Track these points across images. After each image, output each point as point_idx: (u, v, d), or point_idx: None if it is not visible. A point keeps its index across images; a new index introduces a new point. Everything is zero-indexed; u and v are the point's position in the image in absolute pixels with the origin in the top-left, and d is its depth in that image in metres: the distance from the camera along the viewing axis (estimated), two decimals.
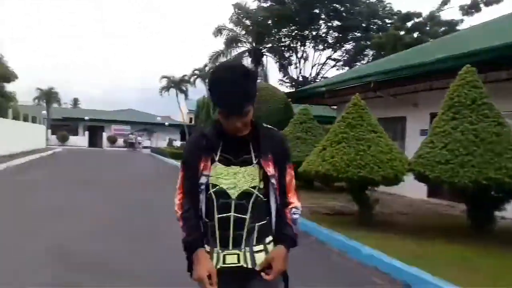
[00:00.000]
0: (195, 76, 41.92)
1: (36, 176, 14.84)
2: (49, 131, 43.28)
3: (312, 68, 38.85)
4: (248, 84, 1.82)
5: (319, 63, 39.09)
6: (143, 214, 8.24)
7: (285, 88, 35.24)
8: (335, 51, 39.24)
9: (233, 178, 1.87)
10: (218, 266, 1.86)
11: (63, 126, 49.12)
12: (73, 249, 5.54)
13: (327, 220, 7.58)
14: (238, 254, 1.87)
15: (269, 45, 36.54)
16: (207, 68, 36.91)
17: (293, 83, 37.30)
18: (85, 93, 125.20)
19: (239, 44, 35.19)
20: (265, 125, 2.00)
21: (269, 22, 35.00)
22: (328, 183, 8.21)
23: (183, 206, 1.93)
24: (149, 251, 5.59)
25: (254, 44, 35.20)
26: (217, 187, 1.88)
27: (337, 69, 38.42)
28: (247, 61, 34.43)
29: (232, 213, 1.85)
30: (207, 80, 34.60)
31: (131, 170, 19.50)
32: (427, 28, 29.90)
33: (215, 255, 1.88)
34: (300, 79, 37.30)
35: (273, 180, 1.90)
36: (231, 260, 1.87)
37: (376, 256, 5.31)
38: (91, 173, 17.26)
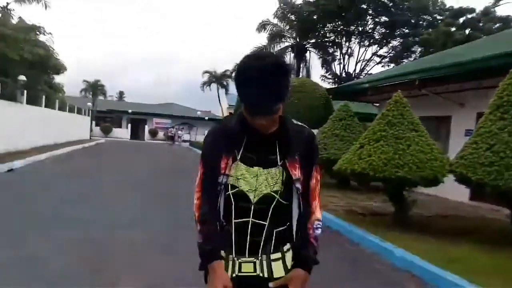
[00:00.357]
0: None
1: (75, 167, 15.42)
2: (94, 122, 44.79)
3: (356, 64, 38.12)
4: (280, 81, 1.58)
5: (364, 59, 38.30)
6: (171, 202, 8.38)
7: (327, 85, 34.78)
8: (381, 48, 38.28)
9: (254, 181, 1.69)
10: (234, 275, 1.71)
11: (107, 118, 50.77)
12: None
13: (361, 220, 7.39)
14: (254, 262, 1.72)
15: (313, 40, 36.13)
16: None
17: (336, 79, 36.72)
18: (131, 87, 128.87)
19: (282, 40, 35.03)
20: (294, 121, 1.80)
21: (315, 17, 34.57)
22: (364, 182, 7.98)
23: (201, 207, 1.75)
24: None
25: (297, 40, 34.92)
26: (237, 189, 1.70)
27: (382, 66, 37.52)
28: (290, 57, 34.24)
29: (250, 219, 1.69)
30: None
31: (168, 161, 19.81)
32: (481, 24, 28.57)
33: (230, 262, 1.73)
34: (344, 75, 36.67)
35: (298, 185, 1.71)
36: (247, 268, 1.72)
37: (408, 259, 5.11)
38: (129, 163, 17.73)
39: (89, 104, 44.46)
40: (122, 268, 4.47)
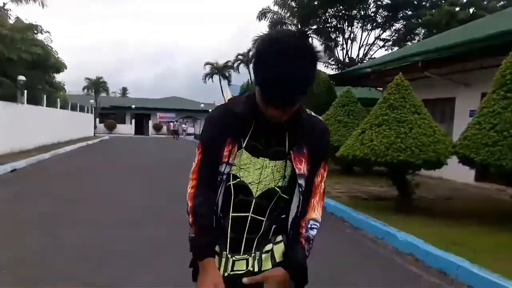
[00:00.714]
0: (238, 62, 41.90)
1: (78, 165, 15.46)
2: (97, 119, 44.92)
3: (359, 49, 37.65)
4: (309, 70, 1.31)
5: (367, 43, 37.87)
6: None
7: (331, 71, 34.48)
8: (384, 31, 37.73)
9: (259, 173, 1.51)
10: (226, 274, 1.54)
11: (110, 115, 50.86)
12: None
13: (365, 205, 7.31)
14: (247, 259, 1.56)
15: (315, 26, 35.75)
16: (250, 53, 36.76)
17: (339, 65, 36.39)
18: (134, 82, 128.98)
19: (283, 27, 34.69)
20: (308, 111, 1.58)
21: (316, 2, 34.16)
22: (366, 167, 7.91)
23: (196, 197, 1.54)
24: None
25: (299, 26, 34.54)
26: (238, 180, 1.52)
27: (386, 50, 36.96)
28: None
29: (250, 214, 1.53)
30: (250, 65, 34.48)
31: (170, 155, 19.78)
32: (485, 2, 28.06)
33: (223, 260, 1.56)
34: (347, 60, 36.31)
35: (301, 181, 1.51)
36: (240, 266, 1.56)
37: (411, 242, 5.03)
38: (130, 158, 17.74)
39: (92, 101, 44.51)
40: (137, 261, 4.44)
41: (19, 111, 16.94)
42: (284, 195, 1.54)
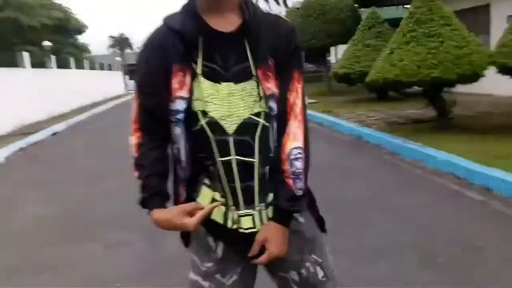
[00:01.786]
0: None
1: (116, 120, 15.78)
2: (127, 76, 45.32)
3: None
4: None
5: None
6: None
7: None
8: None
9: (227, 103, 1.19)
10: (230, 226, 1.25)
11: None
12: None
13: (401, 129, 7.15)
14: (253, 215, 1.25)
15: None
16: None
17: None
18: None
19: None
20: (265, 11, 1.30)
21: None
22: (400, 90, 7.64)
23: (140, 148, 1.26)
24: None
25: None
26: (208, 117, 1.19)
27: None
28: None
29: (233, 156, 1.20)
30: None
31: None
32: None
33: (230, 214, 1.24)
34: None
35: (272, 103, 1.21)
36: (247, 223, 1.24)
37: (452, 162, 4.91)
38: None
39: (118, 59, 44.74)
40: None
41: (50, 76, 17.29)
42: (266, 123, 1.22)
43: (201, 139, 1.21)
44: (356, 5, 15.11)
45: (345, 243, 3.14)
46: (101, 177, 6.00)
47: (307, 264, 1.32)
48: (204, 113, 1.19)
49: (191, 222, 1.15)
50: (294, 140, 1.21)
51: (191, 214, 1.16)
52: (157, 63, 1.21)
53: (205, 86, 1.19)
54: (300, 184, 1.21)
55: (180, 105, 1.19)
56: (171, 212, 1.19)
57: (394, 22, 14.14)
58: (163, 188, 1.25)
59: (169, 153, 1.29)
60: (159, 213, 1.20)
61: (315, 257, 1.34)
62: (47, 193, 5.47)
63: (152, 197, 1.22)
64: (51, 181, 6.17)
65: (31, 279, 3.12)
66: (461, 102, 7.18)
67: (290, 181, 1.20)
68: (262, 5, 33.87)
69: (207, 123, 1.19)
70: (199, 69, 1.19)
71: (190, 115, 1.20)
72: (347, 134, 7.94)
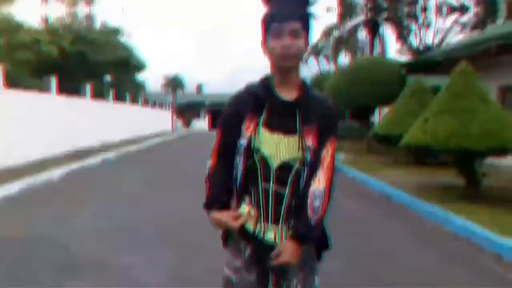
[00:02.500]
0: (308, 53, 41.71)
1: (161, 153, 16.50)
2: (175, 116, 47.22)
3: (435, 35, 36.02)
4: None
5: (443, 28, 36.05)
6: None
7: (405, 59, 33.28)
8: (462, 14, 35.72)
9: (275, 147, 1.68)
10: (259, 237, 1.73)
11: (187, 111, 53.35)
12: None
13: (429, 194, 7.37)
14: (276, 231, 1.71)
15: (386, 14, 34.73)
16: (319, 45, 36.60)
17: (414, 52, 35.05)
18: (210, 77, 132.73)
19: (353, 17, 34.13)
20: (317, 93, 1.81)
21: None
22: (430, 156, 7.91)
23: (213, 168, 1.80)
24: None
25: (370, 15, 33.80)
26: (260, 153, 1.70)
27: (465, 35, 35.01)
28: (362, 34, 33.32)
29: (271, 185, 1.69)
30: (319, 57, 34.33)
31: None
32: None
33: (258, 225, 1.73)
34: (421, 48, 34.86)
35: (307, 153, 1.67)
36: (270, 235, 1.72)
37: (470, 229, 5.14)
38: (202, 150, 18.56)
39: (170, 98, 46.82)
40: None
41: (107, 107, 18.65)
42: (300, 168, 1.68)
43: (253, 169, 1.72)
44: (403, 70, 15.58)
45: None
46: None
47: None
48: (258, 150, 1.70)
49: (235, 224, 1.68)
50: (319, 184, 1.68)
51: (236, 218, 1.69)
52: (236, 112, 1.76)
53: (263, 132, 1.70)
54: (316, 217, 1.65)
55: (244, 141, 1.71)
56: (223, 215, 1.71)
57: (438, 89, 14.48)
58: (222, 198, 1.76)
59: (232, 175, 1.78)
60: (216, 215, 1.72)
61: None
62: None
63: (214, 203, 1.74)
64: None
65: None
66: (497, 173, 7.27)
67: (310, 213, 1.65)
68: (314, 65, 34.86)
69: (259, 158, 1.70)
70: (261, 121, 1.71)
71: (249, 150, 1.71)
72: (377, 191, 8.26)
